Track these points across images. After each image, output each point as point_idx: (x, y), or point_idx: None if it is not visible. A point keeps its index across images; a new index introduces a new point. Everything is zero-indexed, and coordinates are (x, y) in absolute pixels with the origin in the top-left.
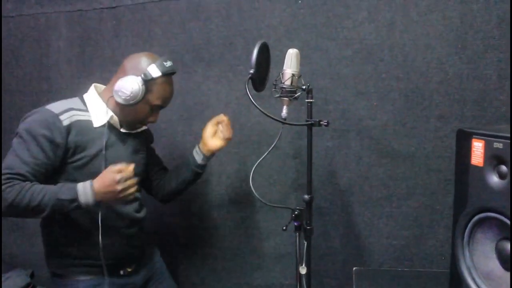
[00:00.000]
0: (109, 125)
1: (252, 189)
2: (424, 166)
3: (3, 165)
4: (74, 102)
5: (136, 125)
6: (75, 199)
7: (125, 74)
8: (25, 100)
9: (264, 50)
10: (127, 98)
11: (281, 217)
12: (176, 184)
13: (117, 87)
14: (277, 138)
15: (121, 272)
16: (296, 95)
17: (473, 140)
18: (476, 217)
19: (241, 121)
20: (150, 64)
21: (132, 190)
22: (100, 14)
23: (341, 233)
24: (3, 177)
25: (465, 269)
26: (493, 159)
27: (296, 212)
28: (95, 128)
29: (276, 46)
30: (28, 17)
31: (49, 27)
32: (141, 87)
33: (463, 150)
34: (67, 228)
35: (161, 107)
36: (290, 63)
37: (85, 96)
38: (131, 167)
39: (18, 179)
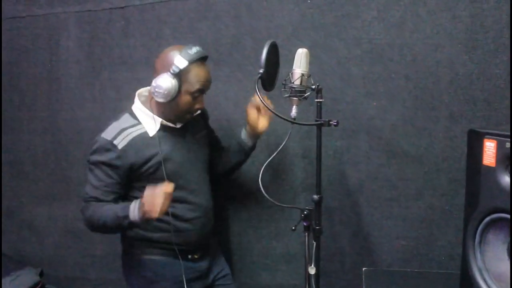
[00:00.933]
0: (164, 128)
1: (262, 188)
2: (433, 167)
3: (82, 193)
4: (124, 120)
5: (186, 116)
6: (127, 216)
7: (157, 74)
8: (35, 100)
9: (274, 50)
10: (165, 94)
11: (289, 217)
12: (230, 167)
13: (152, 89)
14: (287, 138)
15: (189, 257)
16: (305, 95)
17: (485, 140)
18: (487, 218)
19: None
20: (175, 56)
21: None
22: (109, 14)
23: (350, 234)
24: (83, 201)
25: (476, 271)
26: (506, 159)
27: (305, 212)
28: (152, 137)
29: (285, 46)
30: (38, 18)
31: (58, 27)
32: (172, 81)
33: (475, 150)
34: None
35: (201, 91)
36: (299, 63)
37: (133, 108)
38: (171, 187)
39: (93, 201)
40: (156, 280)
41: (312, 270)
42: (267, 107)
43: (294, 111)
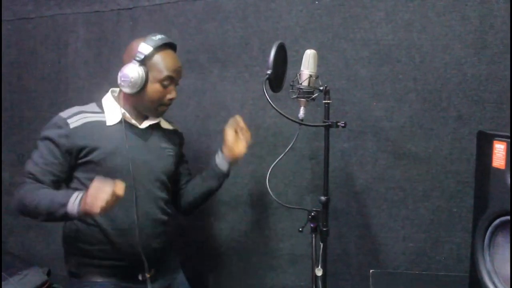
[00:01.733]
0: (127, 124)
1: (269, 190)
2: (441, 168)
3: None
4: (88, 106)
5: (158, 109)
6: (65, 204)
7: (124, 65)
8: (43, 100)
9: (281, 51)
10: (131, 84)
11: (296, 219)
12: (200, 194)
13: (119, 79)
14: (294, 139)
15: (140, 277)
16: (313, 96)
17: (495, 142)
18: (497, 221)
19: (257, 122)
20: (139, 44)
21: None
22: (117, 15)
23: (357, 235)
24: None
25: (485, 274)
26: None
27: (312, 214)
28: (109, 126)
29: (292, 47)
30: (47, 19)
31: (67, 28)
32: (138, 69)
33: (484, 152)
34: (88, 225)
35: (171, 78)
36: (307, 64)
37: (103, 99)
38: (121, 188)
39: (30, 178)
40: None
41: (319, 272)
42: (274, 108)
43: (302, 112)
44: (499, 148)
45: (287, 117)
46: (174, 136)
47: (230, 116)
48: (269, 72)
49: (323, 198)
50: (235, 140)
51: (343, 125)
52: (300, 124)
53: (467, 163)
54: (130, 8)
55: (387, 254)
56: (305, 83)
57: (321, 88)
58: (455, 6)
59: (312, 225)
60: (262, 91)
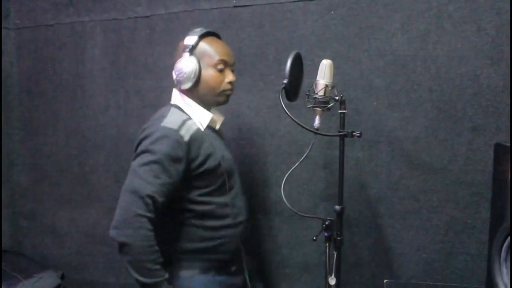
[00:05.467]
0: (209, 126)
1: (284, 198)
2: (455, 179)
3: (127, 188)
4: (177, 112)
5: (221, 96)
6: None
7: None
8: (60, 106)
9: (298, 60)
10: (187, 75)
11: (309, 227)
12: None
13: (175, 78)
14: (309, 148)
15: (233, 269)
16: (329, 106)
17: None
18: None
19: (272, 130)
20: (184, 40)
21: None
22: (134, 23)
23: (370, 245)
24: (134, 202)
25: (502, 287)
26: None
27: (326, 223)
28: (203, 132)
29: (307, 56)
30: (66, 26)
31: (85, 36)
32: (189, 59)
33: (501, 165)
34: (204, 227)
35: (224, 62)
36: (323, 74)
37: (178, 103)
38: None
39: (148, 200)
40: None
41: (332, 281)
42: (290, 117)
43: (317, 122)
44: None
45: (303, 126)
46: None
47: (245, 124)
48: (285, 81)
49: (337, 207)
50: None
51: (358, 135)
52: (316, 133)
53: (482, 174)
54: (147, 16)
55: (401, 264)
56: (321, 93)
57: (337, 98)
58: (471, 17)
59: (326, 234)
60: (277, 99)
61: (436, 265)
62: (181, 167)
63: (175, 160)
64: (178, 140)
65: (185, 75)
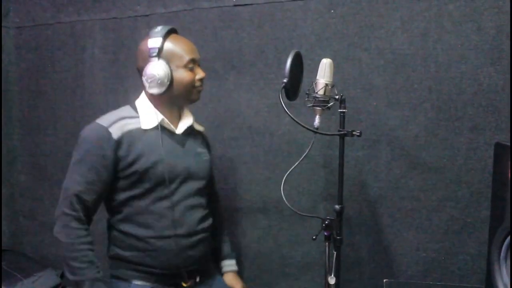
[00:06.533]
0: (163, 129)
1: (283, 197)
2: (455, 178)
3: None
4: (124, 110)
5: (194, 94)
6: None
7: (141, 69)
8: (60, 105)
9: (298, 60)
10: (163, 81)
11: (309, 226)
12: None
13: (146, 83)
14: (309, 147)
15: (183, 284)
16: (329, 105)
17: None
18: None
19: (271, 129)
20: (147, 42)
21: None
22: (134, 22)
23: (370, 244)
24: (63, 200)
25: (502, 286)
26: None
27: (326, 222)
28: (146, 131)
29: (307, 55)
30: (65, 25)
31: (84, 34)
32: (159, 63)
33: (501, 164)
34: (129, 234)
35: (193, 61)
36: (323, 73)
37: (136, 101)
38: None
39: (73, 198)
40: None
41: (332, 280)
42: (290, 116)
43: (317, 121)
44: None
45: (302, 126)
46: (204, 139)
47: (245, 123)
48: (285, 80)
49: (337, 206)
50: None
51: (358, 134)
52: (315, 132)
53: (482, 173)
54: (147, 15)
55: (400, 263)
56: (321, 92)
57: (337, 97)
58: (471, 16)
59: (326, 234)
60: (277, 98)
61: (435, 265)
62: (110, 163)
63: (101, 156)
64: (105, 136)
65: (158, 81)
